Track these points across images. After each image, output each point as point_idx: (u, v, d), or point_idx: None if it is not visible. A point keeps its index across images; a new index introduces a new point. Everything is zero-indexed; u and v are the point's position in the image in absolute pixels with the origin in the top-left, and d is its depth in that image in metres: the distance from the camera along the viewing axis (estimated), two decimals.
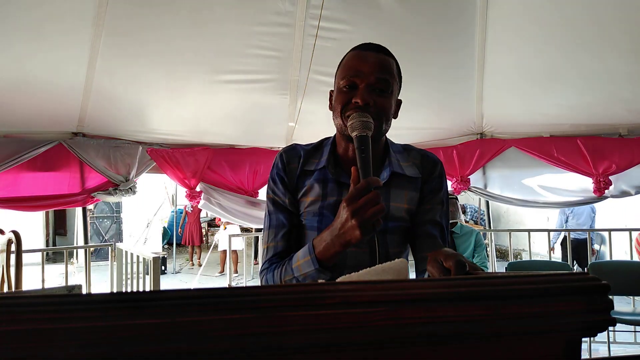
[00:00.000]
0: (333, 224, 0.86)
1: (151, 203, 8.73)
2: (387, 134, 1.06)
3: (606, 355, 3.29)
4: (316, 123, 3.22)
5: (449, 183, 3.91)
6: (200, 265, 8.51)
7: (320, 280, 0.90)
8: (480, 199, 5.75)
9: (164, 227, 9.97)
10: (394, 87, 0.97)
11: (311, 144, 1.10)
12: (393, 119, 1.03)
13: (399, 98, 1.04)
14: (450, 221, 3.53)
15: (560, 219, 6.18)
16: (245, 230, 7.06)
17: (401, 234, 1.03)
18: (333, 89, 1.03)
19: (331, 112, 1.02)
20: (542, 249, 6.66)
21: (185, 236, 8.92)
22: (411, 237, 1.06)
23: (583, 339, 0.45)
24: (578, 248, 5.24)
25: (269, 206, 1.06)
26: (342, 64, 1.01)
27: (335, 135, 1.07)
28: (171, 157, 3.58)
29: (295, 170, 1.05)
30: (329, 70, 3.06)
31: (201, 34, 3.12)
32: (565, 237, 5.88)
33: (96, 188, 3.37)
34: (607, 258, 4.26)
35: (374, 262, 0.97)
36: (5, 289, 1.89)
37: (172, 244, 8.90)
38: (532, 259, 4.42)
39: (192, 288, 0.39)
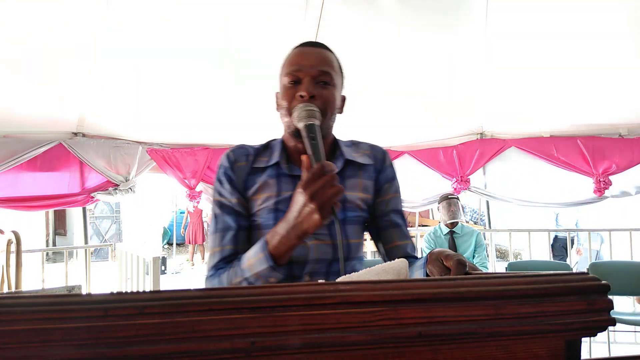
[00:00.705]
0: (287, 215, 0.81)
1: (151, 203, 8.73)
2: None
3: (606, 355, 3.29)
4: None
5: (449, 183, 3.91)
6: (203, 260, 8.61)
7: (272, 280, 0.85)
8: (480, 199, 5.75)
9: (164, 227, 9.97)
10: (337, 80, 0.97)
11: (259, 144, 1.08)
12: (339, 114, 1.02)
13: (343, 94, 1.03)
14: (452, 221, 3.53)
15: (555, 218, 6.30)
16: None
17: (359, 224, 1.02)
18: (278, 90, 1.02)
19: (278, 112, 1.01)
20: (540, 249, 6.65)
21: (189, 235, 8.95)
22: (375, 230, 1.05)
23: (583, 339, 0.45)
24: (565, 246, 5.80)
25: (214, 209, 1.01)
26: (285, 62, 1.00)
27: (283, 135, 1.05)
28: (171, 157, 3.58)
29: (244, 167, 1.01)
30: None
31: (202, 34, 3.12)
32: (555, 238, 6.08)
33: (96, 188, 3.37)
34: (608, 258, 4.26)
35: (336, 253, 0.94)
36: (5, 289, 1.89)
37: (172, 244, 8.91)
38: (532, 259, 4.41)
39: (192, 288, 0.39)
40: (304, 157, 0.80)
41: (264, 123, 3.72)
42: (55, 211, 9.57)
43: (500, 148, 3.79)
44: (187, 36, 3.11)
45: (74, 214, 8.96)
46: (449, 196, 3.63)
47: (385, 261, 1.03)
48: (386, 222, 1.03)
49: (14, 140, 3.07)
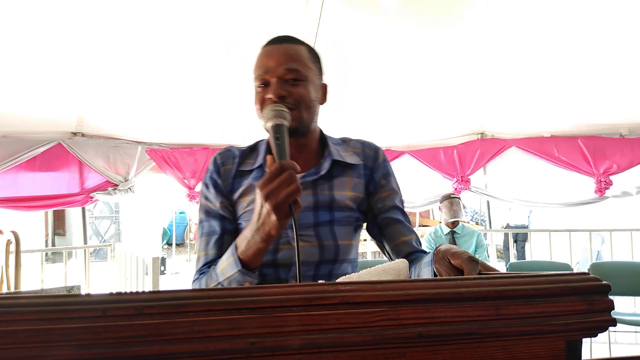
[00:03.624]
0: (252, 217, 0.79)
1: (150, 203, 8.72)
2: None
3: (607, 356, 3.29)
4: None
5: (449, 183, 3.91)
6: None
7: (246, 285, 0.82)
8: (480, 199, 5.76)
9: (164, 228, 9.97)
10: (308, 73, 0.94)
11: (247, 145, 1.07)
12: (321, 105, 1.00)
13: (323, 82, 1.00)
14: (454, 220, 3.53)
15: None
16: None
17: (350, 224, 0.99)
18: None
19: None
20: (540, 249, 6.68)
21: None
22: (376, 229, 1.03)
23: (584, 340, 0.45)
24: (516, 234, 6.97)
25: (200, 214, 1.01)
26: (254, 64, 0.97)
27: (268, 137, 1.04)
28: (170, 157, 3.58)
29: (230, 170, 1.01)
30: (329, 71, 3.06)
31: (201, 33, 3.12)
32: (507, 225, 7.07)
33: (95, 188, 3.37)
34: (608, 258, 4.26)
35: (323, 255, 0.93)
36: (5, 289, 1.89)
37: (172, 244, 8.91)
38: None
39: (191, 288, 0.39)
40: (268, 157, 0.79)
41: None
42: (54, 211, 9.56)
43: (500, 148, 3.79)
44: (187, 36, 3.11)
45: (73, 214, 8.96)
46: (451, 195, 3.63)
47: (392, 259, 1.01)
48: (387, 219, 1.01)
49: (13, 140, 3.07)
